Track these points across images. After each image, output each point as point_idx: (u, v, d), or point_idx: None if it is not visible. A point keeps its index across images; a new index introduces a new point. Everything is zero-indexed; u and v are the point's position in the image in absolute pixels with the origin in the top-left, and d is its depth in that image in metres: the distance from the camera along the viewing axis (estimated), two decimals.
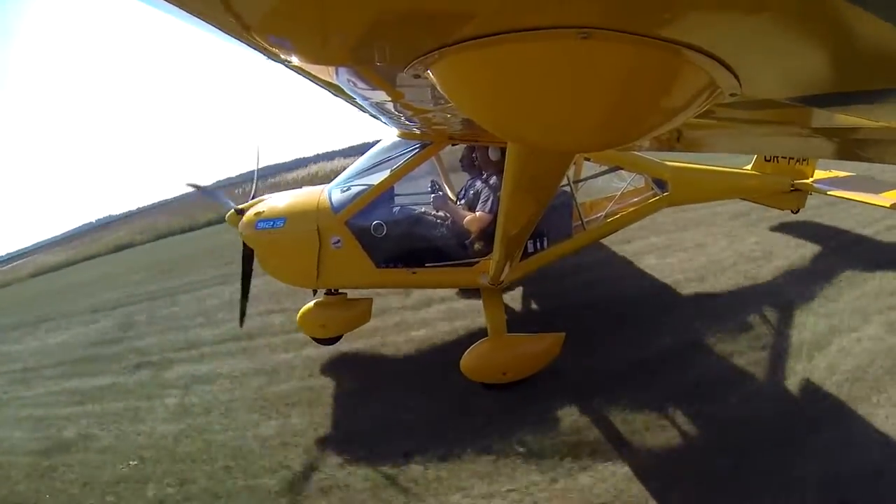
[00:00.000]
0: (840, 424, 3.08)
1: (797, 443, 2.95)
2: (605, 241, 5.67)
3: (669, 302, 4.97)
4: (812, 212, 6.70)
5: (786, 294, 4.73)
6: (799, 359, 3.75)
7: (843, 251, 5.55)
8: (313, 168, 22.17)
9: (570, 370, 3.88)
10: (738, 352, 3.95)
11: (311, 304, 4.66)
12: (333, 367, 4.53)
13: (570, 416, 3.44)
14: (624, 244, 6.45)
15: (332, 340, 4.77)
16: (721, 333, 4.20)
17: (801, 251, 5.72)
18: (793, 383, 3.51)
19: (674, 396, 3.46)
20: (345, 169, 4.47)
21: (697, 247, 6.33)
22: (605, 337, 4.35)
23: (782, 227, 6.45)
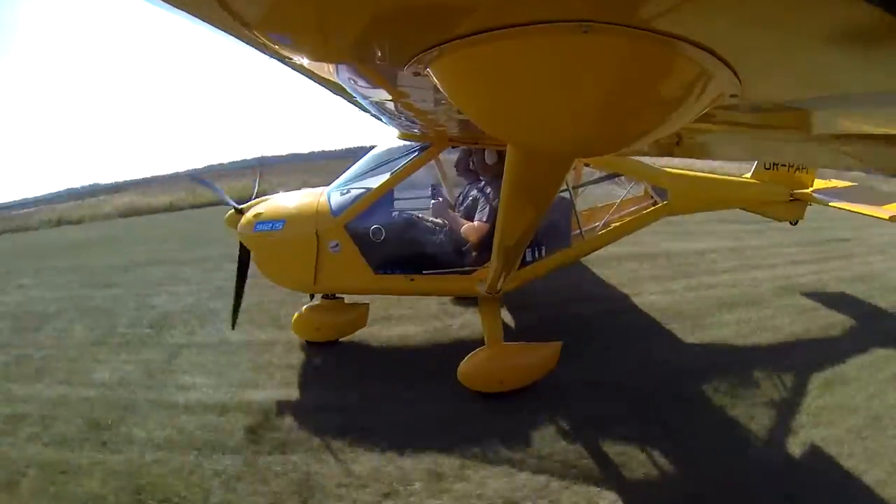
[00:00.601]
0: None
1: None
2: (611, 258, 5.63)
3: (670, 334, 4.89)
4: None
5: (796, 356, 4.44)
6: (796, 423, 3.53)
7: (874, 322, 5.20)
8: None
9: (570, 386, 3.84)
10: (732, 404, 3.72)
11: (307, 307, 4.62)
12: (321, 371, 4.41)
13: (556, 433, 3.38)
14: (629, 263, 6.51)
15: (327, 344, 4.72)
16: (721, 382, 3.97)
17: (830, 316, 5.31)
18: (787, 446, 3.32)
19: (670, 429, 3.38)
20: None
21: (709, 276, 6.30)
22: (605, 353, 4.34)
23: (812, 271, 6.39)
